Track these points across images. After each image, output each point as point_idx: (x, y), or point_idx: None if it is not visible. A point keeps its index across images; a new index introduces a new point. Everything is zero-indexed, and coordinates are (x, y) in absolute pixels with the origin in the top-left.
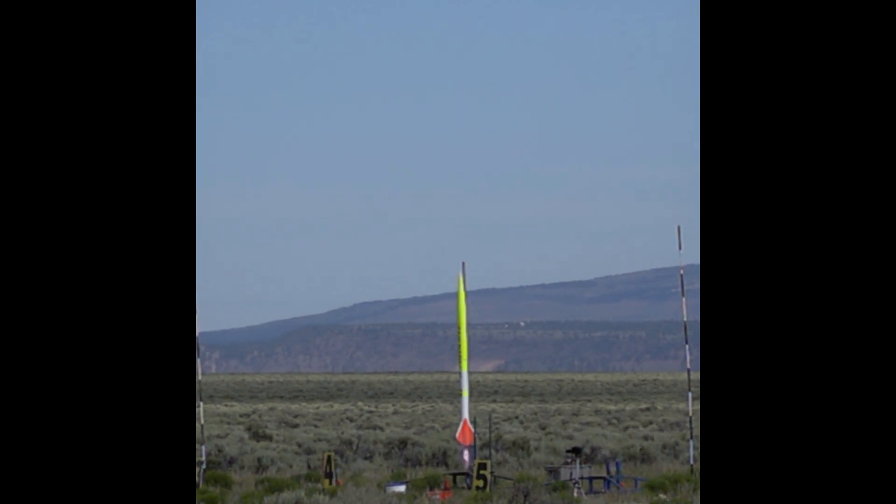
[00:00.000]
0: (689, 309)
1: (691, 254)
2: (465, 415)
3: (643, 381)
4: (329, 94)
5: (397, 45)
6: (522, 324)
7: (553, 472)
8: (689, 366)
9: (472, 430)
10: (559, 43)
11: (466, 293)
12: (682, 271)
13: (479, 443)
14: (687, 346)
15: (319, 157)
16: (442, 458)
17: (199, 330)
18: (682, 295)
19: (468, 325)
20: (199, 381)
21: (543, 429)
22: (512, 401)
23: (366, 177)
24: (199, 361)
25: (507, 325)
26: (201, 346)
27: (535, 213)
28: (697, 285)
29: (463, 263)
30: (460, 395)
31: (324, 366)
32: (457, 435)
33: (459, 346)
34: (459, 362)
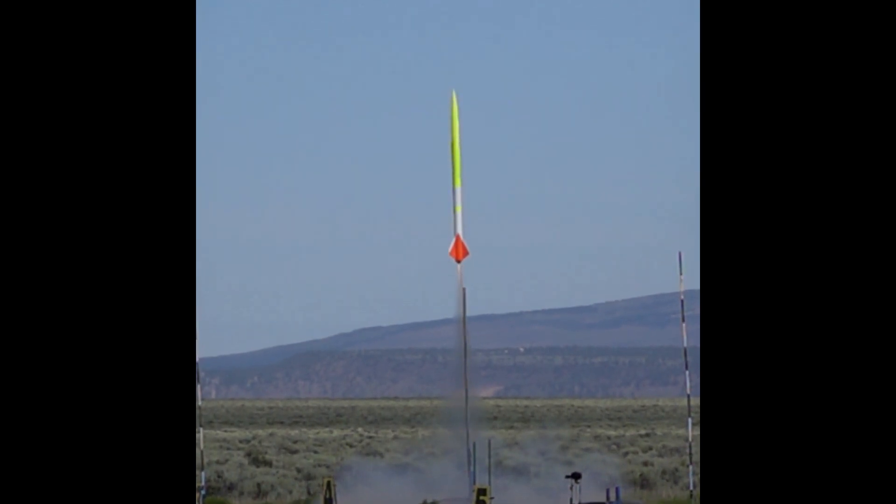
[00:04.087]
0: (689, 335)
1: (692, 279)
2: (459, 230)
3: (643, 406)
4: (329, 119)
5: (400, 64)
6: (522, 349)
7: (553, 497)
8: (688, 391)
9: (465, 245)
10: (559, 65)
11: (466, 318)
12: (682, 297)
13: (477, 468)
14: (687, 372)
15: (320, 181)
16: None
17: (199, 356)
18: (683, 321)
19: (468, 350)
20: (199, 407)
21: (543, 454)
22: (512, 427)
23: (366, 202)
24: (199, 387)
25: (506, 351)
26: (201, 372)
27: (535, 238)
28: (697, 311)
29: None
30: (454, 210)
31: (324, 391)
32: (449, 251)
33: (453, 163)
34: (453, 178)
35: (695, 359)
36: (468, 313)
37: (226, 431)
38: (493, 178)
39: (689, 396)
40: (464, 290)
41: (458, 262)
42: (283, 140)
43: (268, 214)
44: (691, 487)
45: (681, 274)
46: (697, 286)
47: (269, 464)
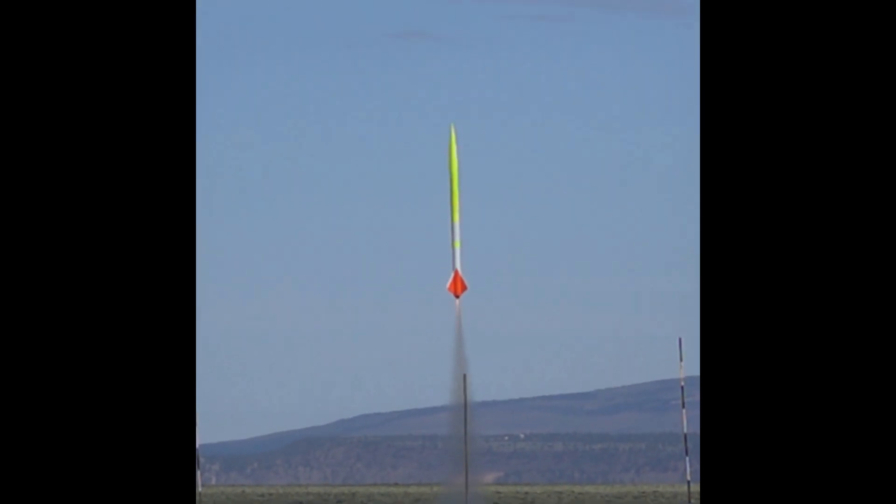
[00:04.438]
0: (689, 421)
1: (692, 366)
2: (458, 266)
3: (643, 492)
4: (325, 205)
5: (396, 150)
6: (522, 436)
7: None
8: (689, 477)
9: (464, 280)
10: (557, 152)
11: (467, 404)
12: (682, 383)
13: None
14: (687, 458)
15: (319, 267)
16: None
17: (199, 442)
18: (683, 407)
19: (469, 436)
20: (200, 493)
21: None
22: None
23: (365, 288)
24: (199, 473)
25: (507, 437)
26: (201, 458)
27: (535, 324)
28: (698, 397)
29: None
30: (453, 245)
31: (324, 477)
32: (447, 286)
33: (452, 197)
34: (451, 213)
35: (695, 445)
36: (471, 399)
37: None
38: (493, 263)
39: (689, 482)
40: (465, 375)
41: (457, 297)
42: (281, 225)
43: (268, 299)
44: None
45: (681, 360)
46: (698, 372)
47: None
